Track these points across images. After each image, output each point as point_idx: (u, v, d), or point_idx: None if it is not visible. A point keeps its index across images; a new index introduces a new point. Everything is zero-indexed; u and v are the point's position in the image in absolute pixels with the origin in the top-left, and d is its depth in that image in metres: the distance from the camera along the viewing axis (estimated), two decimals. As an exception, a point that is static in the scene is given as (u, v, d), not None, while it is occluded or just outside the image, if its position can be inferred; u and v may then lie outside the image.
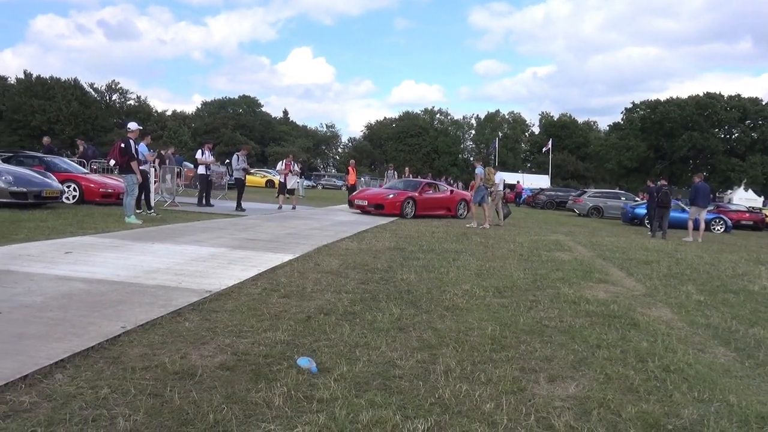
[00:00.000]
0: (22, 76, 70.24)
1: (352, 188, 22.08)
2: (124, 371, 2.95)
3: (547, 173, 55.52)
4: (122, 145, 10.46)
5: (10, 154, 15.01)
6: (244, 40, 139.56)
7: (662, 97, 59.75)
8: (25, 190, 10.94)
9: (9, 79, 71.07)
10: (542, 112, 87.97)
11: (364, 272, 6.29)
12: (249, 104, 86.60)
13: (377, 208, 16.02)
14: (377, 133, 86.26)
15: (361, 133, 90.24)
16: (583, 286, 6.35)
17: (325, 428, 2.45)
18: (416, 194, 16.51)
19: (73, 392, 2.66)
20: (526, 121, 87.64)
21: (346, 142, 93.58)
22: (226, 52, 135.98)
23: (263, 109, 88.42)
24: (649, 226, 17.41)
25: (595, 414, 2.78)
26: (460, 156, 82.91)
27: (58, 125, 66.54)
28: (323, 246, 8.29)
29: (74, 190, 13.42)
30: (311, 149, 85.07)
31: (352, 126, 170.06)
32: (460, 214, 17.67)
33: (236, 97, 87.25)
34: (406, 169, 27.67)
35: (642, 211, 21.03)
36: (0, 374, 2.75)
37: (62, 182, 12.76)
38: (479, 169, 14.97)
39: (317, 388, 2.89)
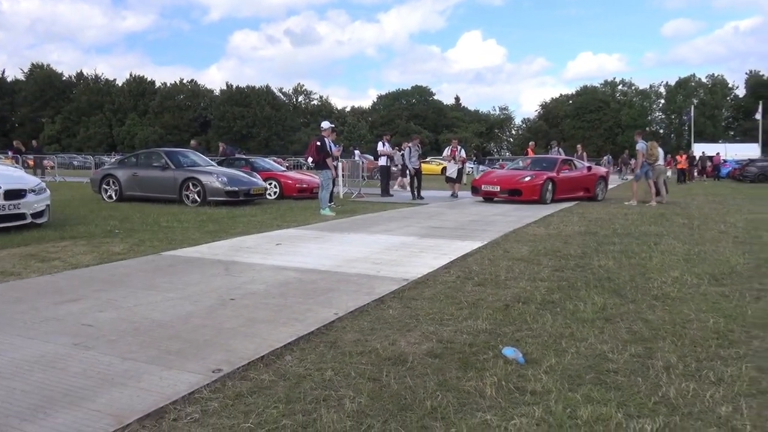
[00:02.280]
0: (224, 87, 79.37)
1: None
2: (342, 355, 3.19)
3: (757, 141, 48.47)
4: (318, 144, 11.30)
5: (223, 158, 17.06)
6: (414, 32, 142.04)
7: None
8: (237, 189, 12.38)
9: (214, 91, 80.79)
10: (749, 71, 76.62)
11: (557, 259, 6.06)
12: (421, 94, 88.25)
13: (513, 194, 13.60)
14: (553, 111, 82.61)
15: (536, 113, 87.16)
16: (824, 272, 5.43)
17: (542, 422, 2.40)
18: (554, 174, 14.05)
19: (303, 373, 2.94)
20: (728, 83, 77.30)
21: (520, 123, 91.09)
22: (398, 46, 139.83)
23: (435, 97, 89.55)
24: None
25: None
26: (648, 128, 75.88)
27: (254, 128, 74.20)
28: (510, 232, 8.16)
29: (275, 187, 14.85)
30: (484, 134, 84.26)
31: (525, 106, 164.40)
32: (598, 195, 15.09)
33: (409, 88, 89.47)
34: (579, 146, 22.59)
35: None
36: (243, 354, 3.14)
37: (265, 180, 14.20)
38: (641, 145, 14.07)
39: (527, 379, 2.85)
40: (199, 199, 12.21)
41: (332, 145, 13.08)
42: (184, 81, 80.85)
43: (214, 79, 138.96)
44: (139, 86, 79.68)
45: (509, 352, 3.20)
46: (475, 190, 14.65)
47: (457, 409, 2.53)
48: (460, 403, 2.59)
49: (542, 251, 6.52)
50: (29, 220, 7.82)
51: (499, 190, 13.88)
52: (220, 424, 2.37)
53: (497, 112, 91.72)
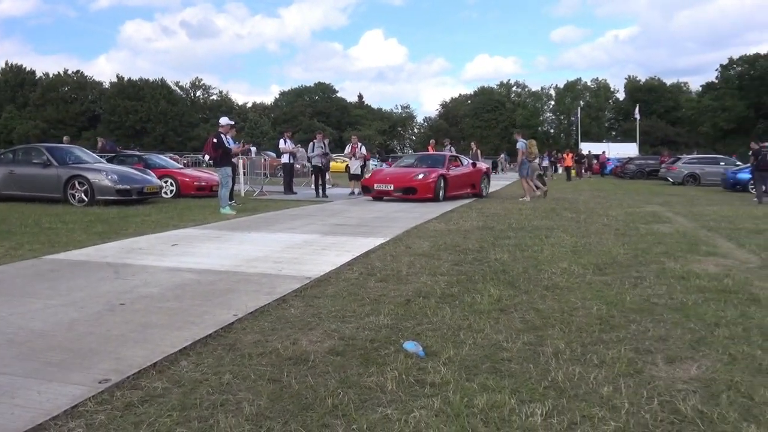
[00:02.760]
0: (115, 80, 74.78)
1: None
2: (242, 358, 3.10)
3: (635, 141, 52.78)
4: (215, 140, 10.93)
5: (113, 154, 16.07)
6: (317, 28, 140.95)
7: (762, 51, 55.08)
8: (128, 187, 11.70)
9: (104, 83, 75.93)
10: (628, 76, 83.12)
11: (456, 253, 6.26)
12: (324, 91, 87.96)
13: (407, 192, 13.26)
14: (453, 111, 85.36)
15: (437, 112, 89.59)
16: (690, 259, 6.00)
17: (441, 412, 2.46)
18: (445, 171, 13.97)
19: (199, 378, 2.82)
20: (609, 87, 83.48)
21: (422, 122, 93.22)
22: (300, 42, 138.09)
23: (338, 94, 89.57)
24: (754, 192, 16.19)
25: (725, 398, 2.62)
26: (540, 129, 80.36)
27: (149, 123, 70.55)
28: (412, 228, 8.31)
29: (171, 184, 14.20)
30: (387, 131, 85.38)
31: (426, 105, 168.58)
32: (482, 191, 15.45)
33: (312, 84, 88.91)
34: (473, 144, 22.75)
35: (745, 176, 19.56)
36: (133, 362, 2.96)
37: (160, 178, 13.54)
38: (521, 143, 15.04)
39: (427, 372, 2.91)
40: (86, 199, 11.41)
41: (231, 141, 12.71)
42: (69, 72, 75.33)
43: (104, 70, 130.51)
44: (17, 76, 73.32)
45: (410, 346, 3.25)
46: (366, 189, 14.04)
47: (358, 405, 2.54)
48: (361, 400, 2.60)
49: (442, 246, 6.70)
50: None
51: (392, 188, 13.38)
52: (106, 438, 2.23)
53: (399, 110, 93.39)
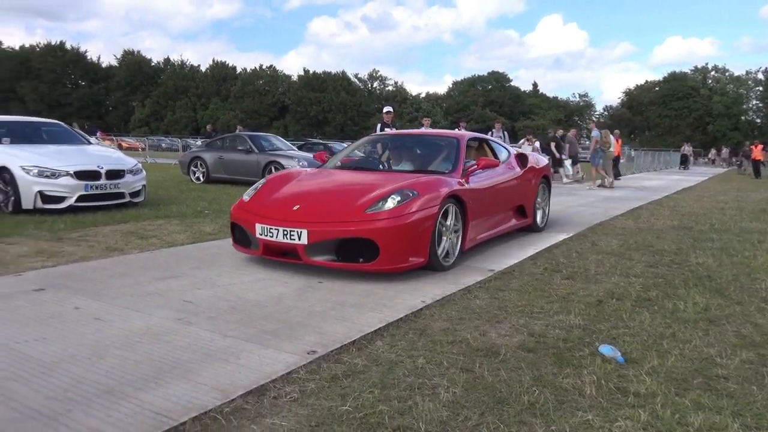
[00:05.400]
0: (302, 73, 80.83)
1: (615, 160, 20.47)
2: (433, 344, 3.17)
3: None
4: (379, 126, 11.42)
5: (302, 143, 17.44)
6: (492, 16, 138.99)
7: None
8: (316, 173, 12.59)
9: (292, 77, 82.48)
10: None
11: (651, 254, 5.78)
12: (498, 80, 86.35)
13: (349, 250, 4.41)
14: (637, 98, 78.63)
15: (619, 100, 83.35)
16: None
17: (649, 426, 2.29)
18: (458, 185, 5.08)
19: (395, 359, 2.95)
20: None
21: (601, 111, 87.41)
22: (475, 31, 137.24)
23: (512, 83, 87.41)
24: None
25: None
26: (743, 118, 70.94)
27: (330, 113, 75.22)
28: (596, 224, 7.85)
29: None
30: (563, 121, 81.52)
31: (607, 93, 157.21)
32: (538, 217, 7.02)
33: (485, 73, 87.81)
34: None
35: None
36: (335, 337, 3.19)
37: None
38: (596, 132, 15.62)
39: (629, 380, 2.73)
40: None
41: (388, 128, 12.99)
42: (264, 67, 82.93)
43: (293, 65, 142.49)
44: (222, 72, 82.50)
45: (607, 350, 3.08)
46: (239, 235, 5.03)
47: (555, 406, 2.46)
48: (558, 401, 2.51)
49: (633, 245, 6.23)
50: (127, 199, 8.28)
51: (305, 240, 4.38)
52: (318, 405, 2.42)
53: (577, 98, 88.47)
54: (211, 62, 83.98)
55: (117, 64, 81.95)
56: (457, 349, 3.11)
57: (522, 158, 6.67)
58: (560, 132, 18.28)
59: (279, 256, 4.64)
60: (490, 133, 15.65)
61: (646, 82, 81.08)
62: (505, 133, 15.92)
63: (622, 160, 22.43)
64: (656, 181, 20.02)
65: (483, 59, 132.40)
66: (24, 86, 73.28)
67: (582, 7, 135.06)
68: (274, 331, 3.26)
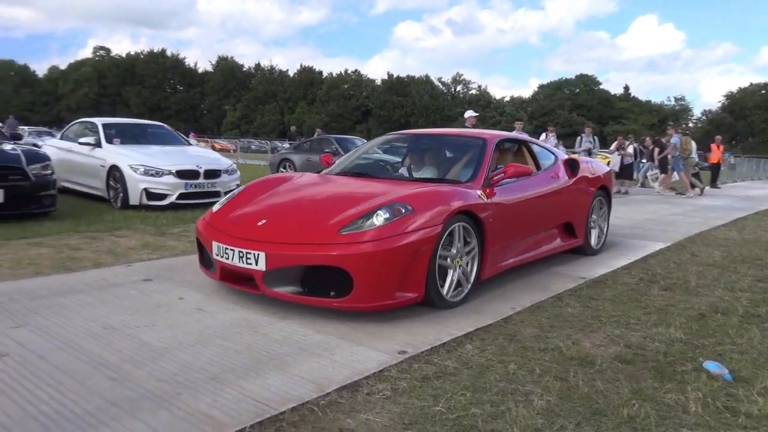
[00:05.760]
0: (385, 77, 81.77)
1: (715, 168, 19.26)
2: (524, 350, 3.12)
3: None
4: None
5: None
6: (582, 18, 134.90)
7: None
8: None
9: (376, 81, 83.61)
10: None
11: (759, 268, 5.40)
12: (586, 83, 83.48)
13: (312, 289, 3.46)
14: (740, 102, 73.46)
15: (719, 104, 78.19)
16: None
17: (763, 449, 2.15)
18: (476, 197, 4.05)
19: (485, 363, 2.93)
20: None
21: (699, 115, 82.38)
22: (563, 33, 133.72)
23: (601, 86, 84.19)
24: None
25: None
26: None
27: (413, 117, 75.52)
28: (695, 234, 7.42)
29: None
30: (656, 126, 77.52)
31: (705, 97, 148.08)
32: (592, 238, 5.80)
33: (573, 77, 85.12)
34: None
35: None
36: (425, 339, 3.21)
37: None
38: (675, 138, 14.67)
39: (739, 399, 2.57)
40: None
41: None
42: (349, 71, 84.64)
43: (377, 69, 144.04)
44: (308, 76, 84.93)
45: (713, 366, 2.91)
46: (206, 254, 4.08)
47: (657, 422, 2.36)
48: (660, 416, 2.41)
49: (738, 258, 5.84)
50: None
51: (263, 269, 3.46)
52: (411, 404, 2.44)
53: (672, 102, 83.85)
54: (298, 67, 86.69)
55: (212, 70, 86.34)
56: (550, 356, 3.05)
57: (572, 165, 5.63)
58: (648, 140, 17.45)
59: (237, 284, 3.71)
60: (579, 138, 15.21)
61: (751, 84, 75.69)
62: (595, 138, 15.36)
63: (722, 168, 21.03)
64: (761, 190, 18.61)
65: (571, 62, 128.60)
66: (129, 91, 78.77)
67: (680, 6, 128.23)
68: (365, 330, 3.32)
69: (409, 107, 75.75)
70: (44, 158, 7.05)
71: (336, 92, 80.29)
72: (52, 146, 9.65)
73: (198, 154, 9.30)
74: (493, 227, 4.09)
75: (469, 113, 11.73)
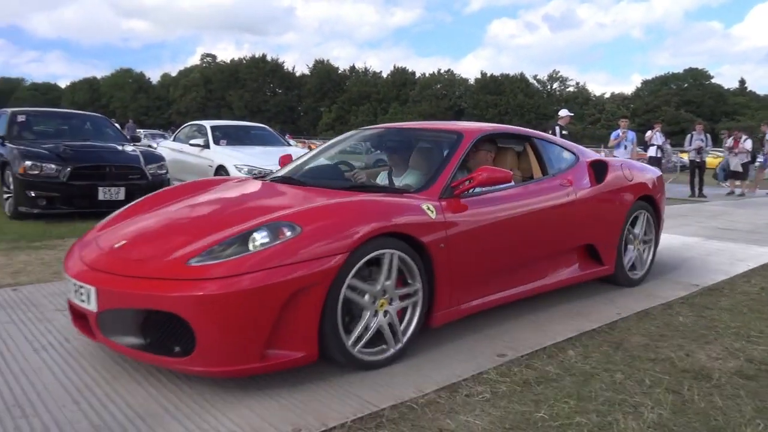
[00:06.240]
0: (479, 76, 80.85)
1: None
2: (631, 359, 2.97)
3: None
4: (557, 130, 10.88)
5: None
6: (691, 8, 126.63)
7: None
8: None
9: (469, 80, 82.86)
10: None
11: None
12: (696, 77, 78.01)
13: (156, 348, 2.44)
14: None
15: None
16: None
17: None
18: (418, 217, 2.89)
19: (589, 371, 2.81)
20: None
21: (828, 109, 74.58)
22: (670, 24, 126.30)
23: (713, 81, 78.36)
24: None
25: None
26: None
27: (506, 116, 74.06)
28: (826, 241, 6.73)
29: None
30: (777, 122, 71.08)
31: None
32: (629, 263, 4.39)
33: (681, 71, 79.87)
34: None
35: None
36: (526, 343, 3.13)
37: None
38: None
39: None
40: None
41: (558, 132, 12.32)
42: (442, 71, 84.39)
43: (470, 68, 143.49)
44: (401, 77, 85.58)
45: None
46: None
47: (786, 444, 2.16)
48: (790, 439, 2.20)
49: None
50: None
51: (95, 309, 2.51)
52: (511, 409, 2.39)
53: (796, 96, 76.50)
54: (392, 68, 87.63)
55: (308, 73, 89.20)
56: (660, 367, 2.87)
57: (598, 168, 4.26)
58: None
59: (80, 326, 2.72)
60: (689, 136, 14.24)
61: None
62: (708, 135, 14.31)
63: None
64: None
65: (678, 55, 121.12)
66: (232, 94, 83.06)
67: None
68: (462, 333, 3.29)
69: (503, 106, 74.42)
70: (159, 159, 7.61)
71: (429, 92, 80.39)
72: (166, 147, 10.39)
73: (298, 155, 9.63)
74: (450, 255, 2.96)
75: (564, 112, 11.39)
